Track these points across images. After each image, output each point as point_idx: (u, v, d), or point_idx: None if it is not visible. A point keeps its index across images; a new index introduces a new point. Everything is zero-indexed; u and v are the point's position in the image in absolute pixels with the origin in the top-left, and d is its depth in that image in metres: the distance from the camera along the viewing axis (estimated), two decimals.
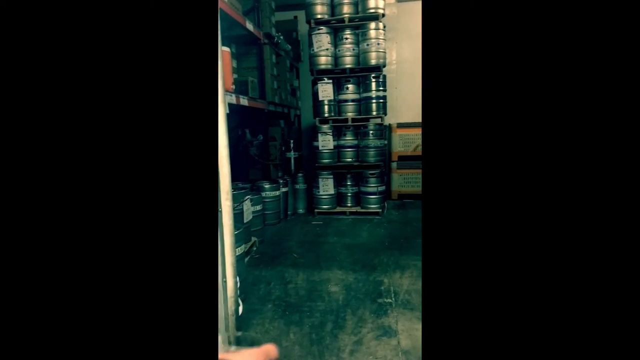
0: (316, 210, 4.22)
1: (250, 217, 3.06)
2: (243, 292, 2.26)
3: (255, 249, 3.09)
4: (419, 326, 1.90)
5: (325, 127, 4.12)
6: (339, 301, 2.20)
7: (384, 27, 4.00)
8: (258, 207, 3.30)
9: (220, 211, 1.13)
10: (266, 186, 3.77)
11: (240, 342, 1.22)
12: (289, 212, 4.25)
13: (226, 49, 2.74)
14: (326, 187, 4.19)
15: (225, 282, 1.13)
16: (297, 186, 4.38)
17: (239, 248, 2.46)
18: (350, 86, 4.12)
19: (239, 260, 2.20)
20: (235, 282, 1.18)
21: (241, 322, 1.93)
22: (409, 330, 1.87)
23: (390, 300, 2.19)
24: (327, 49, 4.03)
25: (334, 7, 4.03)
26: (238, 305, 1.20)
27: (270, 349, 0.46)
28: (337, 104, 4.20)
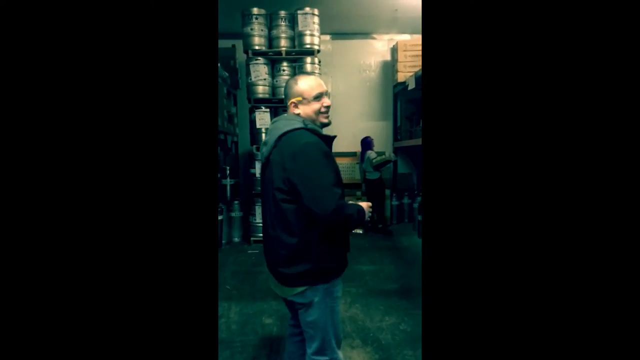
0: (252, 239, 4.14)
1: None
2: None
3: None
4: (352, 354, 1.94)
5: None
6: (273, 333, 2.16)
7: (320, 62, 4.22)
8: None
9: None
10: None
11: None
12: (223, 241, 4.11)
13: None
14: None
15: None
16: (233, 214, 4.28)
17: None
18: None
19: None
20: None
21: None
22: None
23: None
24: (264, 79, 4.11)
25: (271, 40, 4.16)
26: None
27: None
28: None
